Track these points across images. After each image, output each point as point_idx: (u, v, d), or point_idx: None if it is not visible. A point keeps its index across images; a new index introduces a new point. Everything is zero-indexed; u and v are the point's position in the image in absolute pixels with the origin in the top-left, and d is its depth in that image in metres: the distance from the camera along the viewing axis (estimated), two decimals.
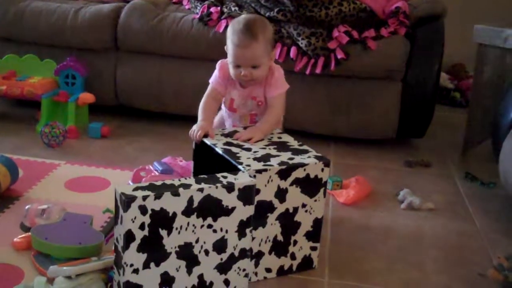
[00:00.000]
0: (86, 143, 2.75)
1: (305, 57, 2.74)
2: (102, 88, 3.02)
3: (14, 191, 2.17)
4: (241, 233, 1.61)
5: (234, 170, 1.65)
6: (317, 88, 2.84)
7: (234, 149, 1.79)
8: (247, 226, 1.62)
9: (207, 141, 1.85)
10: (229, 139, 1.87)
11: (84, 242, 1.74)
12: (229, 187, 1.55)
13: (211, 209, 1.54)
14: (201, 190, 1.51)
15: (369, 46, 2.73)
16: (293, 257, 1.79)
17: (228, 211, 1.57)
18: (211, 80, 2.06)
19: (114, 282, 1.56)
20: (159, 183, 1.52)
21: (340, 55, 2.70)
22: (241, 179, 1.59)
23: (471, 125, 2.86)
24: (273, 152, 1.79)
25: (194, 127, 1.92)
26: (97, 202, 2.12)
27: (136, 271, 1.49)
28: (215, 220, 1.56)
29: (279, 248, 1.76)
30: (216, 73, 2.05)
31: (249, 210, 1.61)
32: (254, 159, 1.72)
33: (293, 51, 2.74)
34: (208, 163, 1.88)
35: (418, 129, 2.91)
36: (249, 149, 1.80)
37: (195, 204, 1.51)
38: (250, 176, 1.62)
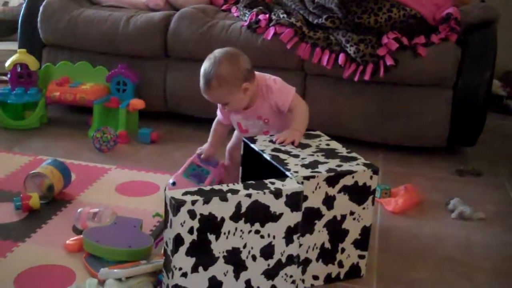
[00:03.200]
0: (136, 148, 2.81)
1: (353, 64, 2.73)
2: (152, 95, 3.07)
3: (67, 195, 2.23)
4: (288, 240, 1.61)
5: (282, 177, 1.65)
6: (365, 95, 2.82)
7: (282, 156, 1.79)
8: (295, 232, 1.62)
9: (255, 147, 1.87)
10: (277, 146, 1.88)
11: (134, 246, 1.77)
12: (277, 193, 1.56)
13: (258, 214, 1.55)
14: (249, 195, 1.52)
15: (419, 52, 2.69)
16: (340, 265, 1.78)
17: (275, 217, 1.58)
18: None
19: (163, 285, 1.59)
20: (207, 188, 1.54)
21: (389, 61, 2.68)
22: (289, 186, 1.59)
23: None
24: (321, 159, 1.79)
25: (205, 146, 2.23)
26: (146, 206, 2.15)
27: (184, 274, 1.51)
28: (262, 225, 1.57)
29: (327, 255, 1.75)
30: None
31: (297, 217, 1.61)
32: (302, 165, 1.72)
33: (341, 57, 2.73)
34: (256, 169, 1.89)
35: (469, 137, 2.85)
36: (297, 156, 1.80)
37: (243, 209, 1.52)
38: (298, 183, 1.62)
